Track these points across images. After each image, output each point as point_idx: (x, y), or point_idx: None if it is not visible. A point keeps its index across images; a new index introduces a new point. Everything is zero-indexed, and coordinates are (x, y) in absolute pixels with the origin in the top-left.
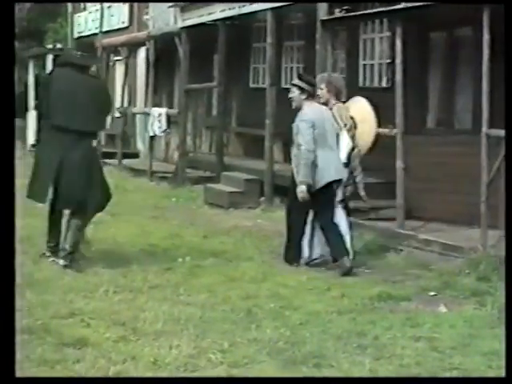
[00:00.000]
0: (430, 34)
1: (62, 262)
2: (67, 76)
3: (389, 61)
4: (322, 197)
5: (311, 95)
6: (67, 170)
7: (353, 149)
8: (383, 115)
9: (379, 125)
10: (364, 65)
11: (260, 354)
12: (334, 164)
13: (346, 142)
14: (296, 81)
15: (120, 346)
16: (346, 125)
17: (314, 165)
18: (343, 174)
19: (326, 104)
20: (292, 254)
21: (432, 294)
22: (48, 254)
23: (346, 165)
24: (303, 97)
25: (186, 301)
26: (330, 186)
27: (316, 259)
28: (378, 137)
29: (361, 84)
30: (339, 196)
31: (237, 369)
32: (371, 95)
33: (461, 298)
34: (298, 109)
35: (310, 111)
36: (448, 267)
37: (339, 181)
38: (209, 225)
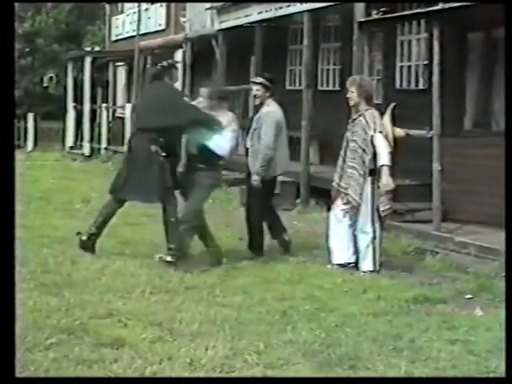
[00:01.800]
0: (468, 34)
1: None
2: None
3: (426, 62)
4: (267, 187)
5: (273, 93)
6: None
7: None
8: (420, 117)
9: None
10: (401, 66)
11: (295, 356)
12: (285, 159)
13: (384, 146)
14: (260, 79)
15: (156, 347)
16: (380, 131)
17: (270, 159)
18: (287, 169)
19: (355, 107)
20: (254, 244)
21: (468, 296)
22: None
23: (391, 167)
24: (267, 94)
25: (221, 302)
26: (276, 179)
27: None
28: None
29: (398, 86)
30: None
31: (272, 370)
32: (408, 97)
33: (497, 301)
34: (261, 105)
35: (277, 109)
36: (484, 270)
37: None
38: (244, 227)
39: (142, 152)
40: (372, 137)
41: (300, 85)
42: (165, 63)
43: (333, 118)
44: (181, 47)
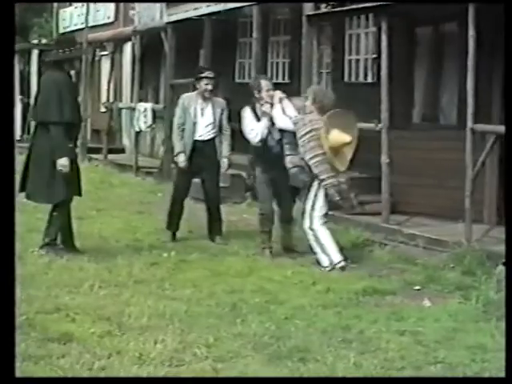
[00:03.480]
0: (416, 29)
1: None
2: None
3: (374, 56)
4: None
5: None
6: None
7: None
8: (368, 110)
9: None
10: (349, 60)
11: (245, 349)
12: None
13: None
14: (212, 73)
15: (105, 341)
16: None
17: None
18: None
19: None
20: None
21: (417, 288)
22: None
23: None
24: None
25: (171, 295)
26: None
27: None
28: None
29: (346, 79)
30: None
31: (222, 363)
32: (357, 90)
33: (445, 292)
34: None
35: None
36: (433, 261)
37: None
38: (195, 220)
39: (38, 148)
40: None
41: (249, 78)
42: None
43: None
44: (130, 40)
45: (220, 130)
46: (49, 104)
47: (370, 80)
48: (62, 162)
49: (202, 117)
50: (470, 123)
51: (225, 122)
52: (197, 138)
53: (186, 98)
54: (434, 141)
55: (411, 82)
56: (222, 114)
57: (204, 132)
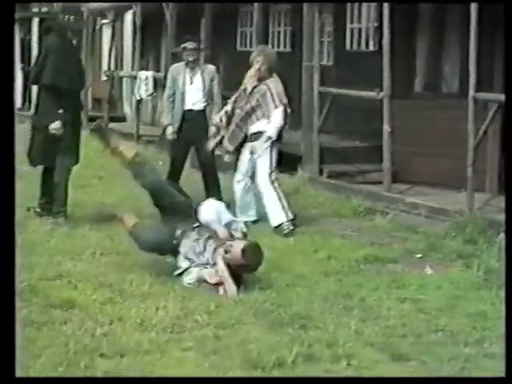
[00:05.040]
0: None
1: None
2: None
3: (376, 24)
4: None
5: None
6: None
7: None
8: (370, 79)
9: None
10: (351, 28)
11: (246, 316)
12: None
13: (279, 120)
14: (193, 44)
15: (107, 308)
16: (283, 102)
17: None
18: None
19: (260, 78)
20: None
21: (418, 256)
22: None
23: (272, 142)
24: None
25: (172, 262)
26: None
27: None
28: None
29: (348, 48)
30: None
31: (223, 330)
32: (358, 59)
33: (447, 260)
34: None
35: None
36: (434, 230)
37: None
38: (195, 187)
39: (37, 114)
40: (274, 106)
41: (251, 46)
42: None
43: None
44: (131, 8)
45: (211, 98)
46: (43, 67)
47: (371, 49)
48: (54, 126)
49: (190, 85)
50: (472, 92)
51: (215, 88)
52: (187, 107)
53: (175, 68)
54: (436, 110)
55: (413, 51)
56: (212, 80)
57: (194, 101)
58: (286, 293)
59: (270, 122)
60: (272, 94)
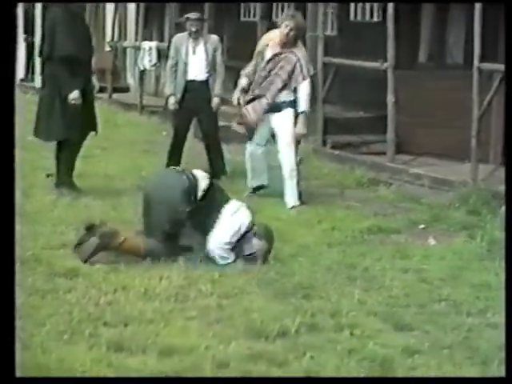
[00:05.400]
0: None
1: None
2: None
3: None
4: None
5: None
6: None
7: None
8: (374, 49)
9: None
10: None
11: (250, 285)
12: None
13: (307, 92)
14: (196, 15)
15: (111, 277)
16: (310, 73)
17: None
18: None
19: (284, 45)
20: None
21: (422, 227)
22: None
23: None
24: None
25: None
26: None
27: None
28: None
29: (352, 18)
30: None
31: (227, 299)
32: (363, 29)
33: (450, 231)
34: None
35: None
36: (438, 201)
37: None
38: (198, 158)
39: (47, 85)
40: (302, 78)
41: (254, 17)
42: None
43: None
44: None
45: (214, 68)
46: (52, 40)
47: (375, 19)
48: (72, 96)
49: (193, 54)
50: (476, 62)
51: (218, 59)
52: (190, 78)
53: (178, 38)
54: (441, 80)
55: (417, 22)
56: (215, 51)
57: (197, 71)
58: (290, 263)
59: (300, 94)
60: (301, 65)
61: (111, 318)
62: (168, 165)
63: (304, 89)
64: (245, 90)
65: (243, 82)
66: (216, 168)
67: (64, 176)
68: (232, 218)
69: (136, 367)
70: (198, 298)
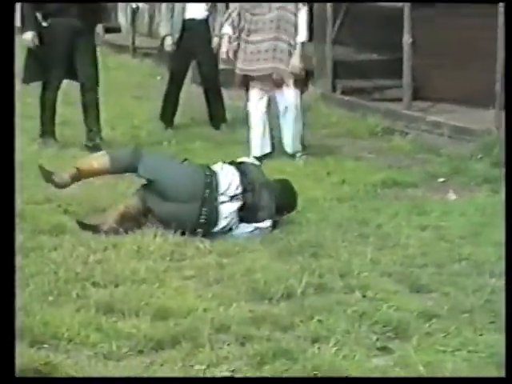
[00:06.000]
0: None
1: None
2: None
3: None
4: None
5: None
6: None
7: None
8: None
9: None
10: None
11: (252, 243)
12: None
13: (306, 21)
14: None
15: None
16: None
17: None
18: None
19: None
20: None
21: (441, 180)
22: None
23: None
24: None
25: None
26: None
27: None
28: None
29: None
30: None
31: (227, 258)
32: None
33: (472, 184)
34: None
35: None
36: (459, 151)
37: None
38: (197, 105)
39: (58, 29)
40: (298, 10)
41: None
42: None
43: None
44: None
45: (214, 6)
46: None
47: None
48: (25, 37)
49: None
50: None
51: None
52: (188, 16)
53: None
54: (462, 18)
55: None
56: None
57: (196, 9)
58: (296, 219)
59: (298, 21)
60: None
61: (101, 277)
62: (163, 113)
63: (302, 16)
64: (234, 26)
65: (231, 19)
66: (215, 115)
67: (48, 125)
68: None
69: (128, 331)
70: (195, 256)
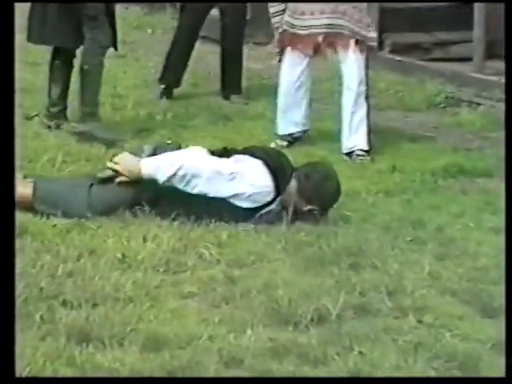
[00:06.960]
0: None
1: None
2: None
3: None
4: None
5: None
6: None
7: None
8: None
9: None
10: None
11: (272, 250)
12: None
13: None
14: None
15: (73, 237)
16: None
17: None
18: None
19: None
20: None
21: None
22: None
23: None
24: None
25: None
26: None
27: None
28: None
29: None
30: None
31: (239, 270)
32: None
33: None
34: None
35: None
36: None
37: None
38: (202, 68)
39: None
40: None
41: None
42: None
43: None
44: None
45: None
46: None
47: None
48: None
49: None
50: None
51: None
52: None
53: None
54: None
55: None
56: None
57: None
58: (330, 218)
59: None
60: None
61: (73, 295)
62: (163, 77)
63: None
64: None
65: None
66: (229, 83)
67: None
68: None
69: (109, 366)
70: (198, 266)
